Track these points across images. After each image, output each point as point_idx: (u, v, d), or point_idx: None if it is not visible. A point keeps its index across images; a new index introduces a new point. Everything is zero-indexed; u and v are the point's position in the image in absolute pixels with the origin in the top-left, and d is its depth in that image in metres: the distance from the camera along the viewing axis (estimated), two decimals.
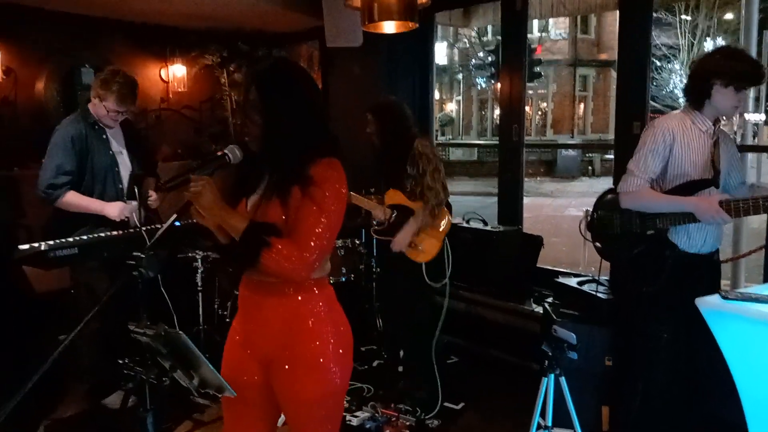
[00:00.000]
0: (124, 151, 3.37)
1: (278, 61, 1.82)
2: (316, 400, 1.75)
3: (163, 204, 3.57)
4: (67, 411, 3.44)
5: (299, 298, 1.73)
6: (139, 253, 1.49)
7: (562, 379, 2.20)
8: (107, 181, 3.26)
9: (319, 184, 1.66)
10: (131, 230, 3.21)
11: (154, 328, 1.42)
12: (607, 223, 2.63)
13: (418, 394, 3.43)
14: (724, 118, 2.58)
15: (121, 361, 1.51)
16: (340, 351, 1.78)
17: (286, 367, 1.74)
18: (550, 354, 2.15)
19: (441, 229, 3.36)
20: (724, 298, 1.83)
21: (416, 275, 3.34)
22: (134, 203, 3.28)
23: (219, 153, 1.73)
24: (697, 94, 2.42)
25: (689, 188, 2.40)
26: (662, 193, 2.45)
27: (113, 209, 3.20)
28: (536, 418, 2.24)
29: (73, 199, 3.14)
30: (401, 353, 4.14)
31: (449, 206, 3.45)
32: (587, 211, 2.88)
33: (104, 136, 3.27)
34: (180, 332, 1.40)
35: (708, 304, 1.87)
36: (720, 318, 1.84)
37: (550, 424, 2.26)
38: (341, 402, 1.87)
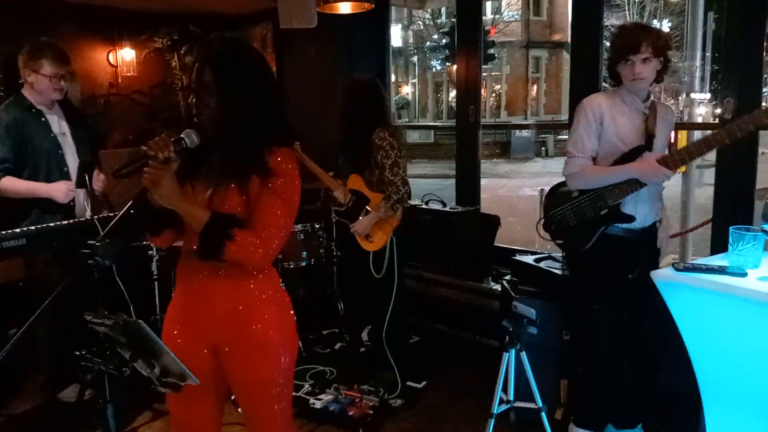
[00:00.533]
0: (68, 133, 3.26)
1: (233, 42, 1.80)
2: (267, 378, 1.77)
3: (114, 191, 3.48)
4: (21, 406, 3.36)
5: (250, 282, 1.74)
6: (94, 242, 1.45)
7: (523, 354, 2.24)
8: (51, 165, 3.15)
9: (279, 175, 1.67)
10: (82, 219, 3.12)
11: (112, 318, 1.38)
12: (561, 217, 2.66)
13: (382, 375, 3.46)
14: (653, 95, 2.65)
15: (78, 353, 1.47)
16: (287, 330, 1.83)
17: (237, 349, 1.75)
18: (510, 329, 2.19)
19: (392, 224, 3.30)
20: (677, 269, 1.90)
21: (365, 263, 3.39)
22: (82, 191, 3.18)
23: (174, 138, 1.68)
24: (611, 74, 2.57)
25: (626, 159, 2.48)
26: (603, 167, 2.54)
27: (58, 191, 3.10)
28: (498, 393, 2.28)
29: (10, 184, 3.04)
30: (364, 335, 4.19)
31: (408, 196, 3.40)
32: (542, 190, 2.94)
33: (43, 119, 3.15)
34: (140, 321, 1.37)
35: (661, 276, 1.93)
36: (673, 289, 1.91)
37: (512, 398, 2.31)
38: (291, 379, 1.89)
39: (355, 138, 3.32)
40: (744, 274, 1.81)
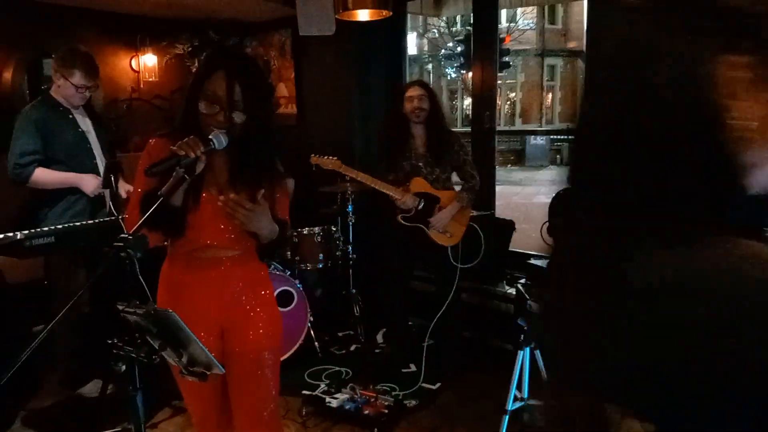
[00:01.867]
0: (92, 132, 3.41)
1: (249, 57, 1.95)
2: (265, 347, 1.96)
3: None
4: (44, 402, 3.44)
5: (256, 266, 1.98)
6: (127, 234, 1.51)
7: (537, 352, 2.28)
8: (81, 157, 3.30)
9: (286, 180, 1.97)
10: (107, 219, 3.22)
11: (144, 308, 1.45)
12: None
13: (403, 376, 3.55)
14: None
15: (110, 341, 1.53)
16: (274, 313, 2.05)
17: (237, 325, 1.94)
18: (525, 328, 2.24)
19: (467, 216, 3.62)
20: None
21: (442, 258, 3.55)
22: (107, 192, 3.29)
23: (203, 139, 1.75)
24: None
25: None
26: None
27: (88, 182, 3.24)
28: (513, 390, 2.32)
29: (43, 174, 3.18)
30: (379, 337, 4.24)
31: None
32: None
33: (70, 116, 3.31)
34: (170, 311, 1.43)
35: None
36: None
37: (525, 395, 2.35)
38: (278, 360, 2.03)
39: (441, 138, 3.53)
40: None
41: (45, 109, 3.25)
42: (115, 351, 1.54)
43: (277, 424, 2.06)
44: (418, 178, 3.52)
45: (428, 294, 3.88)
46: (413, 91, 3.51)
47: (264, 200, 1.80)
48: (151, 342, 1.51)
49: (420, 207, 3.49)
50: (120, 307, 1.47)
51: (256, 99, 1.78)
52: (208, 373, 1.57)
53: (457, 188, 3.67)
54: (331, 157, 3.55)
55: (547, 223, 2.73)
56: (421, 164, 3.54)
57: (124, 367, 1.54)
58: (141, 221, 1.62)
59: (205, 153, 1.71)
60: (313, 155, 3.57)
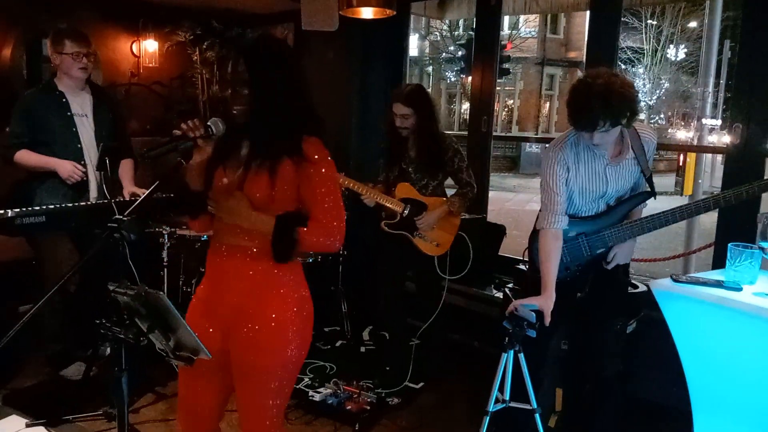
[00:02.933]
0: (90, 115, 3.43)
1: (266, 37, 1.84)
2: (270, 368, 1.80)
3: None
4: (26, 382, 3.43)
5: (272, 264, 1.78)
6: (121, 216, 1.52)
7: (521, 356, 2.30)
8: (65, 142, 3.33)
9: (317, 162, 1.76)
10: (100, 201, 3.23)
11: (134, 288, 1.45)
12: None
13: (387, 374, 3.54)
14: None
15: (98, 321, 1.54)
16: (301, 324, 1.86)
17: (246, 332, 1.79)
18: (510, 331, 2.25)
19: (455, 225, 3.47)
20: (675, 281, 1.96)
21: (429, 268, 3.45)
22: (85, 169, 3.32)
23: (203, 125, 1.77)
24: None
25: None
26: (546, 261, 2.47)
27: (63, 167, 3.26)
28: (495, 392, 2.34)
29: (24, 156, 3.29)
30: (365, 334, 4.26)
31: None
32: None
33: (64, 100, 3.35)
34: (160, 293, 1.44)
35: (660, 286, 2.00)
36: (669, 298, 1.97)
37: (507, 397, 2.36)
38: (293, 376, 1.91)
39: (431, 151, 3.38)
40: (739, 289, 1.87)
41: (41, 93, 3.36)
42: (102, 331, 1.54)
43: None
44: (404, 184, 3.43)
45: (416, 298, 3.83)
46: (396, 108, 3.36)
47: (270, 178, 1.72)
48: (140, 324, 1.52)
49: (405, 213, 3.40)
50: (110, 288, 1.48)
51: (262, 73, 1.72)
52: (195, 358, 1.58)
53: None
54: None
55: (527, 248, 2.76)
56: (411, 169, 3.45)
57: (108, 350, 1.54)
58: (136, 204, 1.62)
59: (202, 138, 1.72)
60: None
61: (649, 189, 2.51)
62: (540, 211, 2.56)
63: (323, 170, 1.77)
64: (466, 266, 3.62)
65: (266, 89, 1.73)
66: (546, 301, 2.33)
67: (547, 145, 2.68)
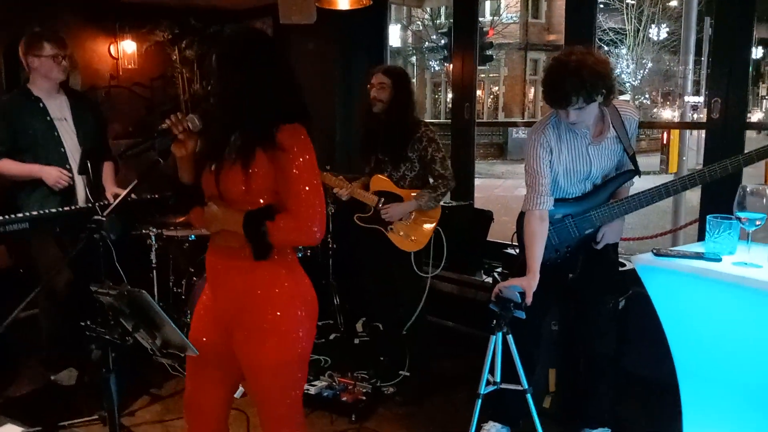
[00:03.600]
0: (69, 119, 3.37)
1: (239, 31, 1.85)
2: (278, 366, 1.79)
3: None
4: (21, 389, 3.42)
5: (269, 262, 1.76)
6: (100, 216, 1.52)
7: (510, 337, 2.32)
8: (48, 147, 3.27)
9: (292, 151, 1.69)
10: (84, 205, 3.22)
11: (117, 288, 1.45)
12: None
13: (380, 363, 3.54)
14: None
15: (83, 323, 1.54)
16: (304, 319, 1.83)
17: (246, 331, 1.78)
18: (497, 312, 2.27)
19: (434, 217, 3.30)
20: (656, 255, 1.98)
21: (404, 264, 3.29)
22: (71, 174, 3.27)
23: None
24: None
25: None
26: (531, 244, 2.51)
27: (49, 174, 3.20)
28: (485, 375, 2.36)
29: (6, 165, 3.21)
30: (358, 326, 4.27)
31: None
32: None
33: (41, 105, 3.29)
34: (142, 291, 1.44)
35: (640, 260, 2.02)
36: (651, 272, 2.00)
37: (498, 379, 2.38)
38: (304, 369, 1.91)
39: (400, 132, 3.21)
40: (719, 260, 1.89)
41: (16, 100, 3.29)
42: (88, 333, 1.54)
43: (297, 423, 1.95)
44: (379, 176, 3.31)
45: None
46: (375, 78, 3.24)
47: (243, 168, 1.70)
48: (125, 323, 1.52)
49: (379, 207, 3.27)
50: (93, 289, 1.48)
51: (232, 66, 1.72)
52: (182, 354, 1.58)
53: None
54: None
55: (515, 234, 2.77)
56: (386, 159, 3.29)
57: (96, 351, 1.54)
58: (115, 204, 1.62)
59: (184, 133, 1.74)
60: None
61: (633, 167, 2.52)
62: (526, 193, 2.58)
63: (297, 160, 1.69)
64: (441, 262, 3.42)
65: (231, 81, 1.71)
66: (529, 282, 2.35)
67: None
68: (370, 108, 3.29)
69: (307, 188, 1.70)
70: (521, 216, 2.66)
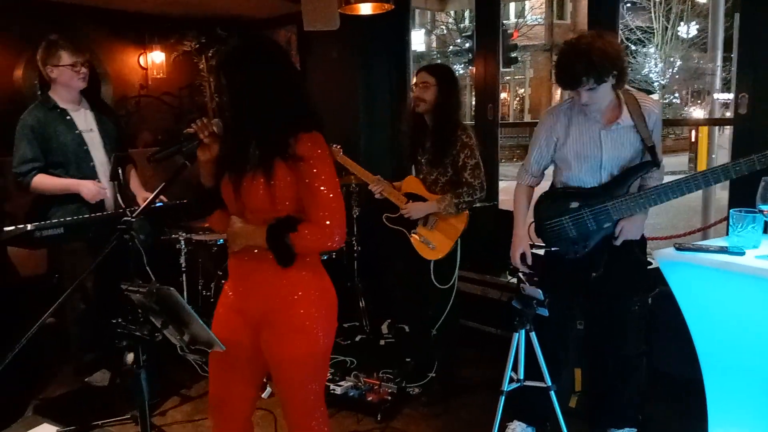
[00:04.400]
0: (95, 129, 3.39)
1: (245, 42, 1.84)
2: (301, 359, 1.86)
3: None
4: (55, 391, 3.52)
5: (294, 266, 1.82)
6: (130, 217, 1.58)
7: (533, 334, 2.32)
8: (80, 161, 3.29)
9: (312, 160, 1.75)
10: (117, 211, 3.29)
11: (146, 286, 1.51)
12: (559, 229, 2.60)
13: (405, 365, 3.56)
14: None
15: (114, 321, 1.60)
16: (325, 315, 1.90)
17: (275, 329, 1.85)
18: (520, 310, 2.28)
19: (459, 228, 3.18)
20: (678, 249, 1.97)
21: (425, 272, 3.25)
22: (106, 187, 3.33)
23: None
24: None
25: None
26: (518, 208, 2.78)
27: (87, 188, 3.23)
28: (508, 372, 2.36)
29: (42, 181, 3.21)
30: (384, 328, 4.30)
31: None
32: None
33: (67, 117, 3.29)
34: (171, 289, 1.49)
35: (663, 255, 2.01)
36: (673, 267, 1.98)
37: (522, 377, 2.39)
38: (326, 363, 1.97)
39: (444, 134, 3.14)
40: (742, 253, 1.87)
41: (42, 112, 3.24)
42: (119, 330, 1.60)
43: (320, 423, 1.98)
44: (412, 177, 3.32)
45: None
46: (418, 78, 3.18)
47: (266, 180, 1.75)
48: (154, 320, 1.57)
49: (409, 215, 3.24)
50: (123, 287, 1.53)
51: (240, 79, 1.74)
52: (209, 350, 1.63)
53: None
54: (335, 146, 3.51)
55: (534, 224, 2.74)
56: (424, 161, 3.26)
57: (130, 357, 1.59)
58: (144, 205, 1.68)
59: (210, 137, 1.79)
60: None
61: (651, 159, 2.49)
62: (521, 166, 2.78)
63: (315, 168, 1.74)
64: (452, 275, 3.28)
65: (243, 95, 1.75)
66: (514, 246, 2.70)
67: None
68: (413, 110, 3.24)
69: (331, 196, 1.77)
70: (536, 205, 2.73)
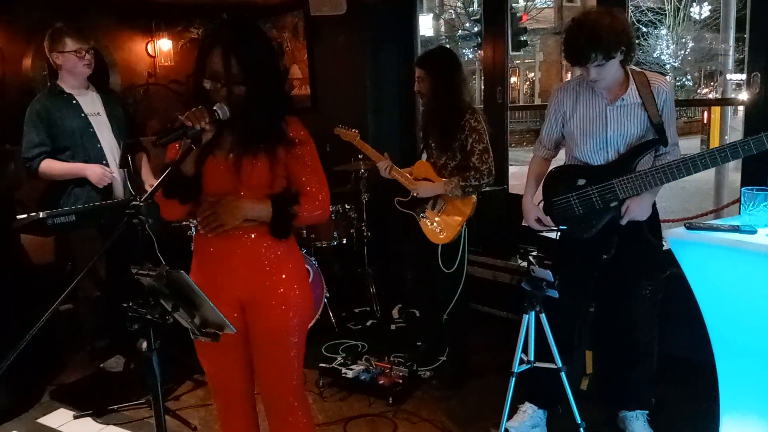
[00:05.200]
0: (103, 113, 3.41)
1: (248, 27, 1.88)
2: (289, 328, 1.96)
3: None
4: (71, 377, 3.57)
5: (263, 245, 1.93)
6: (138, 202, 1.58)
7: (542, 316, 2.32)
8: (86, 143, 3.32)
9: (303, 141, 1.93)
10: (129, 198, 3.31)
11: (156, 269, 1.51)
12: (565, 206, 2.58)
13: (418, 349, 3.57)
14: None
15: (125, 305, 1.61)
16: (304, 284, 2.03)
17: (262, 303, 1.95)
18: (529, 291, 2.28)
19: (465, 213, 3.16)
20: (689, 228, 1.96)
21: (433, 256, 3.25)
22: (114, 170, 3.35)
23: (208, 110, 1.81)
24: None
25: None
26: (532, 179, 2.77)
27: (93, 171, 3.25)
28: (518, 353, 2.37)
29: (49, 166, 3.25)
30: (394, 312, 4.31)
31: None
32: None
33: (74, 101, 3.33)
34: (181, 272, 1.50)
35: (673, 234, 1.99)
36: (684, 246, 1.97)
37: (532, 358, 2.39)
38: (304, 331, 2.04)
39: (445, 120, 3.15)
40: (754, 232, 1.85)
41: (49, 99, 3.29)
42: (130, 314, 1.61)
43: (301, 396, 2.07)
44: (422, 162, 3.35)
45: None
46: (415, 73, 3.26)
47: (268, 160, 1.85)
48: (164, 304, 1.58)
49: (418, 194, 3.26)
50: (133, 270, 1.54)
51: (255, 69, 1.80)
52: (220, 333, 1.64)
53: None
54: (353, 130, 3.57)
55: (543, 203, 2.72)
56: (434, 146, 3.28)
57: (144, 343, 1.61)
58: (153, 190, 1.69)
59: (210, 123, 1.78)
60: (336, 127, 3.64)
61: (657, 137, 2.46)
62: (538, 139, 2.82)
63: (308, 148, 1.93)
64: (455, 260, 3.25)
65: (260, 84, 1.83)
66: (525, 210, 2.72)
67: None
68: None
69: (318, 173, 1.97)
70: (545, 181, 2.73)
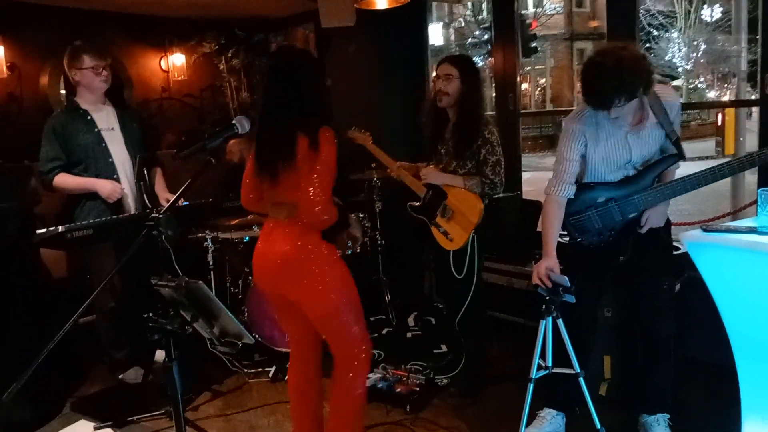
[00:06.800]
0: (117, 128, 3.46)
1: (288, 52, 2.26)
2: (326, 310, 2.29)
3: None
4: (91, 388, 3.60)
5: (298, 243, 2.18)
6: (158, 214, 1.61)
7: (560, 321, 2.31)
8: (98, 158, 3.37)
9: (325, 151, 2.10)
10: (145, 211, 3.35)
11: (175, 280, 1.54)
12: (585, 222, 2.59)
13: (443, 358, 3.58)
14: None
15: (145, 315, 1.63)
16: (335, 277, 2.31)
17: (301, 288, 2.21)
18: (546, 297, 2.27)
19: (472, 221, 3.11)
20: (705, 230, 1.95)
21: (445, 262, 3.24)
22: (124, 186, 3.39)
23: (228, 124, 1.87)
24: None
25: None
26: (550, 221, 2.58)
27: (103, 186, 3.31)
28: (536, 359, 2.36)
29: (63, 179, 3.32)
30: (410, 320, 4.31)
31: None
32: None
33: (89, 117, 3.39)
34: (200, 282, 1.52)
35: (690, 237, 1.98)
36: (701, 249, 1.96)
37: (549, 364, 2.38)
38: (353, 301, 2.41)
39: (467, 129, 3.06)
40: None
41: (65, 115, 3.39)
42: (150, 324, 1.63)
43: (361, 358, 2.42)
44: (431, 166, 3.28)
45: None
46: (440, 70, 3.08)
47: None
48: (184, 314, 1.60)
49: (427, 199, 3.23)
50: (153, 282, 1.56)
51: (276, 82, 2.02)
52: (239, 343, 1.66)
53: None
54: (366, 133, 3.53)
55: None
56: (443, 151, 3.22)
57: (162, 355, 1.63)
58: (172, 202, 1.71)
59: (230, 137, 1.84)
60: (351, 129, 3.59)
61: (676, 152, 2.48)
62: (550, 178, 2.60)
63: (324, 156, 2.09)
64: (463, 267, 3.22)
65: (287, 90, 2.05)
66: (543, 263, 2.45)
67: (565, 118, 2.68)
68: (434, 103, 3.16)
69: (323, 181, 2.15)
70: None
